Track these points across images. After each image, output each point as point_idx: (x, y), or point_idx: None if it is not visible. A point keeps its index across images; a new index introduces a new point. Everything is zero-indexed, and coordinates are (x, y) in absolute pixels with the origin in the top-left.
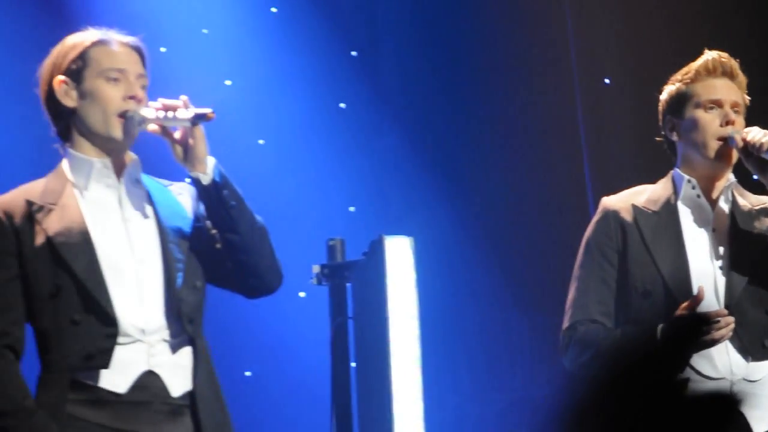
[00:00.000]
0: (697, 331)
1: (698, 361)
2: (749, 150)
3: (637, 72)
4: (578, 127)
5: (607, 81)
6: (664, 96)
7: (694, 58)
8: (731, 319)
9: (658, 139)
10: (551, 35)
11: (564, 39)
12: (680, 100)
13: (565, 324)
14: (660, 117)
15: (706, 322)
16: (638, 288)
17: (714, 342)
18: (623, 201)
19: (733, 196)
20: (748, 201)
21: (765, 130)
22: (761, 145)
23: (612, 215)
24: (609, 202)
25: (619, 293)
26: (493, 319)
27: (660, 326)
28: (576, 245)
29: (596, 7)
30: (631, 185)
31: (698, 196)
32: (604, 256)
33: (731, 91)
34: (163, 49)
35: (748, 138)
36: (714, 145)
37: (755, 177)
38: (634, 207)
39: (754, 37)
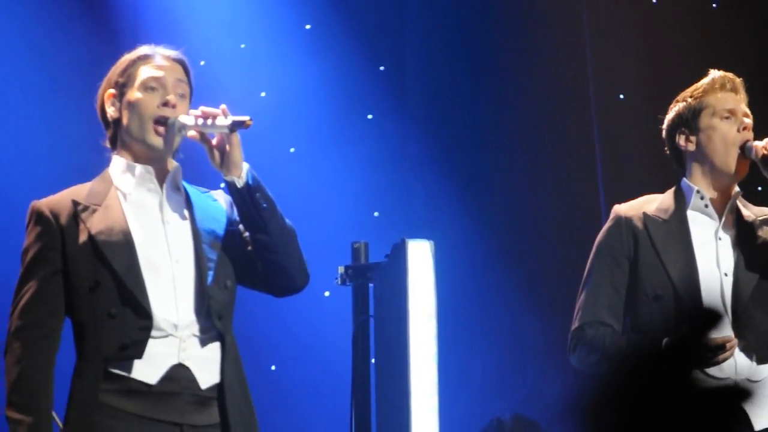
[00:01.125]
0: (702, 353)
1: None
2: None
3: (649, 89)
4: (593, 138)
5: (621, 96)
6: (672, 114)
7: (700, 78)
8: (735, 342)
9: (666, 150)
10: (570, 54)
11: (582, 57)
12: (694, 113)
13: (575, 324)
14: (666, 132)
15: (713, 348)
16: (648, 293)
17: (717, 364)
18: (635, 209)
19: (737, 206)
20: (751, 212)
21: None
22: None
23: (624, 222)
24: (621, 209)
25: (629, 297)
26: (507, 319)
27: (665, 340)
28: (587, 251)
29: (613, 29)
30: (642, 194)
31: (706, 206)
32: (615, 261)
33: (741, 103)
34: (202, 63)
35: None
36: (734, 153)
37: (760, 189)
38: (645, 215)
39: (757, 59)
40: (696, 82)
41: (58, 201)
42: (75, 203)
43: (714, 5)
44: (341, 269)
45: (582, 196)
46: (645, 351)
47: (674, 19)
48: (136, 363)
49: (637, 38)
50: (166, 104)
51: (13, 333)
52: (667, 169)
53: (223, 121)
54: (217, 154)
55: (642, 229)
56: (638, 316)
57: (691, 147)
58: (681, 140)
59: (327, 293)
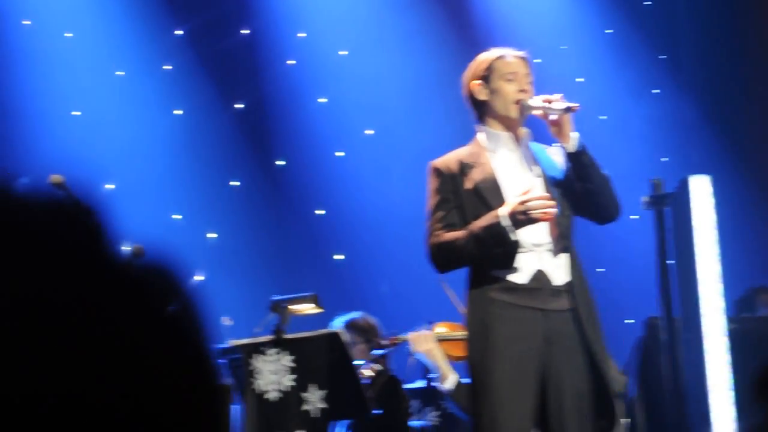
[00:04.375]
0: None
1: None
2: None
3: None
4: None
5: None
6: None
7: None
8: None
9: None
10: None
11: None
12: None
13: None
14: None
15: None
16: None
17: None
18: None
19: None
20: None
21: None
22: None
23: None
24: None
25: None
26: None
27: None
28: None
29: None
30: None
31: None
32: None
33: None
34: (538, 60)
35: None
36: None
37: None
38: None
39: None
40: None
41: (449, 160)
42: (460, 162)
43: None
44: (645, 198)
45: None
46: None
47: None
48: (512, 270)
49: None
50: (522, 91)
51: (434, 240)
52: None
53: (559, 105)
54: (554, 127)
55: None
56: None
57: None
58: None
59: (635, 216)
